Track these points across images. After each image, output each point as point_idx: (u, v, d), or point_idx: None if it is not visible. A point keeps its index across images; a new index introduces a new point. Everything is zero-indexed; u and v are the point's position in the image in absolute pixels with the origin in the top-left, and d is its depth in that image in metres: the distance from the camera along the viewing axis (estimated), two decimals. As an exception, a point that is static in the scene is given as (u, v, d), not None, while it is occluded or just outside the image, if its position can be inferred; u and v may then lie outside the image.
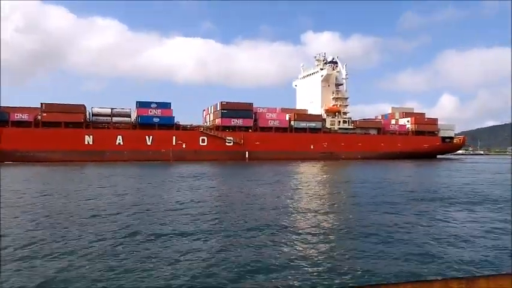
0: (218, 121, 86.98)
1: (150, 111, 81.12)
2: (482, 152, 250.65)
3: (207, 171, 45.26)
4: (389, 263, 9.49)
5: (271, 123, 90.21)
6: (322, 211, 17.18)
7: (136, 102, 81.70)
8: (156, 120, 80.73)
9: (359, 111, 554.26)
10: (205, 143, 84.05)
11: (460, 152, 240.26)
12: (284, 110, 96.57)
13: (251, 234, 12.34)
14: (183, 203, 19.10)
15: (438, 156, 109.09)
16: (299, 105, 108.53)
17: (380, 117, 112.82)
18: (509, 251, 10.64)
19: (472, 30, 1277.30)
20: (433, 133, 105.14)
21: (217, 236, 12.13)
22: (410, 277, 8.30)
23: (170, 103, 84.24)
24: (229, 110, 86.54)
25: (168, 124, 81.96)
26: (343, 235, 12.57)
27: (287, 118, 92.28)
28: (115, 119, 79.32)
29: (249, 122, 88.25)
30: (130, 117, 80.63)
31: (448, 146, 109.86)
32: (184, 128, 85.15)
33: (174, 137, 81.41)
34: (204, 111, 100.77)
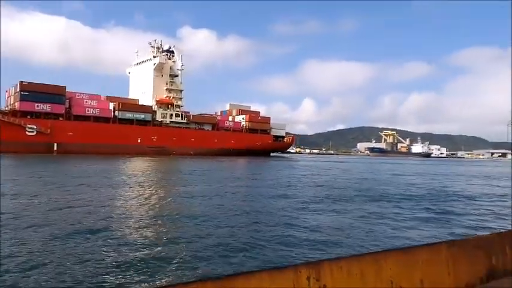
0: (17, 105, 70.99)
1: None
2: (332, 152, 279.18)
3: None
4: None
5: (90, 112, 78.45)
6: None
7: None
8: None
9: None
10: (-3, 132, 67.31)
11: (315, 151, 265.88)
12: (109, 98, 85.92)
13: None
14: None
15: (272, 154, 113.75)
16: (132, 95, 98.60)
17: (219, 113, 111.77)
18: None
19: (331, 44, 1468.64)
20: (265, 131, 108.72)
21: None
22: None
23: None
24: (33, 92, 71.39)
25: None
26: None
27: (111, 107, 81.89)
28: None
29: (60, 109, 74.68)
30: None
31: (279, 144, 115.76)
32: (-36, 111, 66.71)
33: None
34: (6, 93, 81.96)
